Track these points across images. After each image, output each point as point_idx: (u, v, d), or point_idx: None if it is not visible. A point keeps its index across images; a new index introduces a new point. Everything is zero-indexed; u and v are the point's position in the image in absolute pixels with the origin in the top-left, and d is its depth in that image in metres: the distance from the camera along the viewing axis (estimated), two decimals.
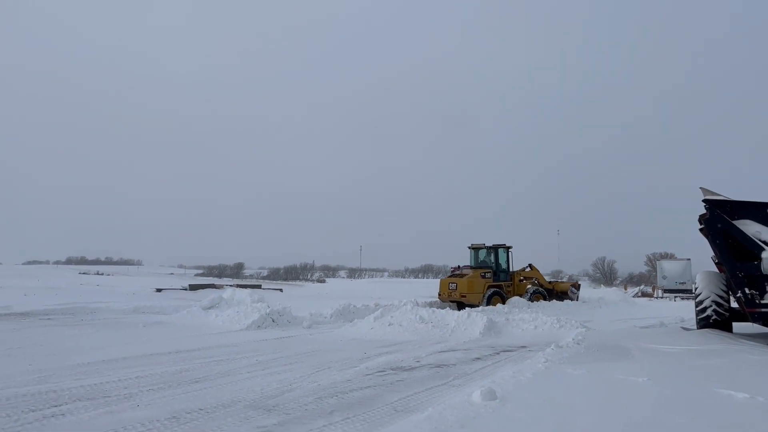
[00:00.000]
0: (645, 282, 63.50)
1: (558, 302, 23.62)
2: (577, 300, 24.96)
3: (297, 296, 35.38)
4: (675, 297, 37.71)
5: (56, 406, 6.51)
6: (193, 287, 37.35)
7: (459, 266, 22.53)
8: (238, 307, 17.29)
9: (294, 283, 77.98)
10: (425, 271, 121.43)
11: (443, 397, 7.08)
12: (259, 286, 42.68)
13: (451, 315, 15.07)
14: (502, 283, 21.35)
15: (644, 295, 43.33)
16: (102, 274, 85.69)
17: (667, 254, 63.63)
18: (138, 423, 5.83)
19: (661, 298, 38.91)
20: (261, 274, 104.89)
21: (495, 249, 21.87)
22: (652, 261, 67.27)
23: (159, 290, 34.32)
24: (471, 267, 21.99)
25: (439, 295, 21.18)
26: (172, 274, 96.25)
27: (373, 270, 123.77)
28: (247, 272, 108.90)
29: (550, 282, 25.04)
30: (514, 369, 8.55)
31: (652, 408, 6.14)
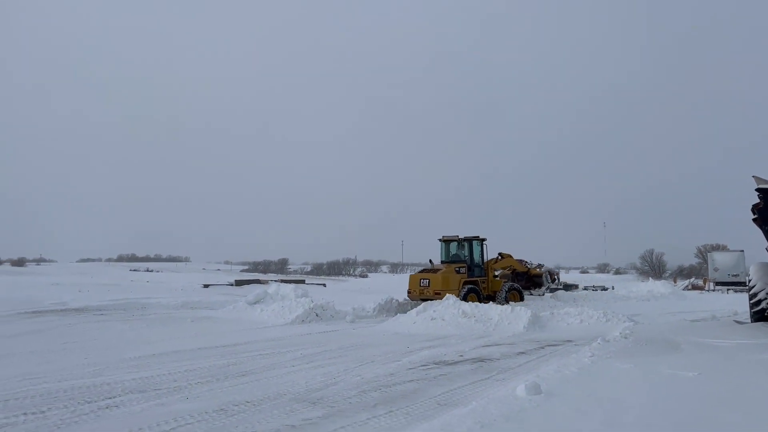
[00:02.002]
0: (696, 274, 61.62)
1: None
2: (547, 289, 23.79)
3: (340, 291, 35.68)
4: (727, 290, 36.57)
5: (110, 398, 6.75)
6: (239, 283, 38.05)
7: (431, 260, 20.83)
8: (283, 301, 17.56)
9: (337, 278, 78.65)
10: None
11: (487, 391, 7.05)
12: (302, 282, 43.18)
13: (495, 309, 14.97)
14: (477, 278, 19.77)
15: (695, 287, 42.14)
16: (151, 270, 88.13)
17: (719, 246, 61.58)
18: (188, 415, 5.99)
19: (713, 290, 37.78)
20: (304, 270, 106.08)
21: (469, 242, 20.24)
22: (703, 253, 65.18)
23: (206, 286, 35.09)
24: (442, 261, 20.49)
25: (409, 292, 19.48)
26: (218, 270, 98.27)
27: (415, 264, 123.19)
28: (291, 268, 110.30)
29: (526, 266, 24.05)
30: (559, 363, 8.47)
31: (703, 404, 5.99)
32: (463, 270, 19.33)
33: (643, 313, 18.51)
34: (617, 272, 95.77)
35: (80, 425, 5.64)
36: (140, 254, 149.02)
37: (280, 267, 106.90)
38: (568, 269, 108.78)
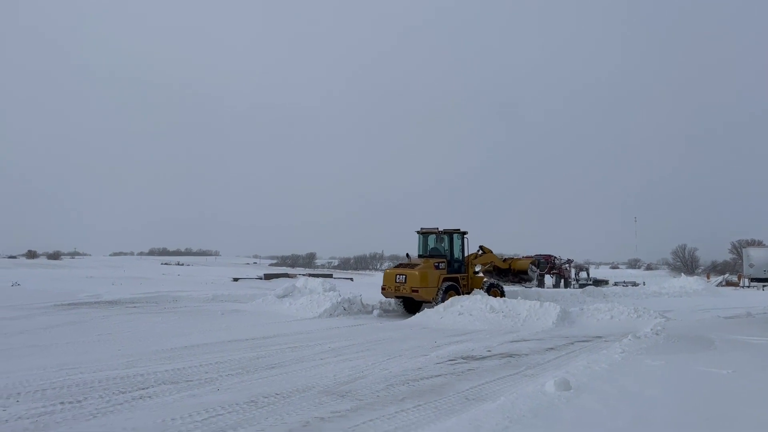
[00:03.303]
0: (730, 270, 60.32)
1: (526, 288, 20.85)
2: (536, 281, 21.37)
3: (367, 285, 35.68)
4: (763, 286, 35.71)
5: (143, 389, 6.89)
6: (268, 276, 38.39)
7: (408, 254, 18.85)
8: (311, 295, 17.68)
9: (364, 272, 78.86)
10: None
11: (515, 386, 7.03)
12: (330, 276, 43.40)
13: (523, 305, 14.87)
14: (458, 275, 18.12)
15: (729, 284, 41.26)
16: (182, 264, 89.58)
17: (755, 241, 60.16)
18: (219, 406, 6.09)
19: (748, 287, 36.95)
20: (332, 264, 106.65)
21: (449, 235, 18.48)
22: (738, 248, 63.75)
23: (236, 279, 35.54)
24: (420, 255, 18.81)
25: (383, 289, 17.78)
26: (247, 264, 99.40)
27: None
28: (318, 262, 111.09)
29: (505, 260, 21.29)
30: (589, 359, 8.38)
31: (737, 402, 5.88)
32: (442, 265, 17.70)
33: (675, 310, 18.21)
34: (648, 268, 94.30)
35: (115, 414, 5.78)
36: (171, 248, 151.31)
37: (308, 261, 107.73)
38: (598, 264, 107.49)
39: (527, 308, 14.60)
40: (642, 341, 10.21)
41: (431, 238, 18.95)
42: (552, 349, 10.37)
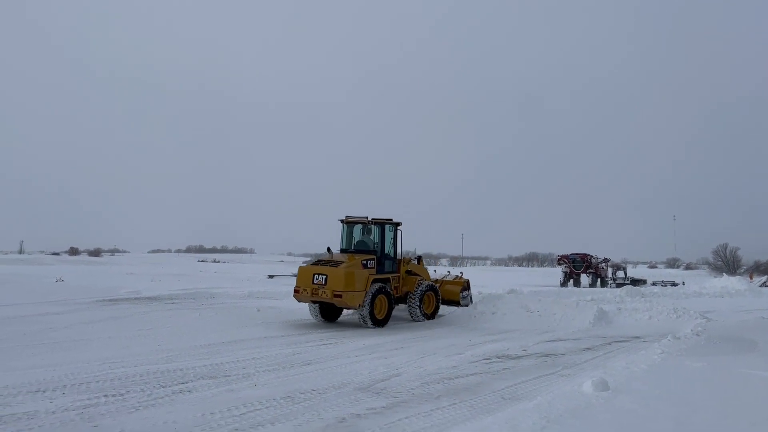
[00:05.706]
0: None
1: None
2: (470, 304, 16.78)
3: None
4: None
5: (183, 383, 7.04)
6: None
7: (329, 249, 15.25)
8: None
9: None
10: (530, 259, 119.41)
11: (552, 386, 6.97)
12: None
13: (558, 304, 14.70)
14: (389, 275, 14.83)
15: None
16: (218, 261, 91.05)
17: None
18: (256, 401, 6.19)
19: None
20: None
21: (380, 225, 15.09)
22: None
23: (271, 276, 35.98)
24: (342, 250, 15.35)
25: (296, 291, 13.96)
26: (282, 261, 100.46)
27: (475, 258, 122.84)
28: None
29: (435, 281, 16.92)
30: (627, 360, 8.27)
31: None
32: (372, 263, 14.39)
33: (717, 311, 17.78)
34: (688, 267, 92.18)
35: (156, 408, 5.92)
36: (207, 245, 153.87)
37: None
38: (635, 263, 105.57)
39: (563, 308, 14.43)
40: (682, 342, 10.01)
41: (357, 229, 15.68)
42: (589, 349, 10.24)
